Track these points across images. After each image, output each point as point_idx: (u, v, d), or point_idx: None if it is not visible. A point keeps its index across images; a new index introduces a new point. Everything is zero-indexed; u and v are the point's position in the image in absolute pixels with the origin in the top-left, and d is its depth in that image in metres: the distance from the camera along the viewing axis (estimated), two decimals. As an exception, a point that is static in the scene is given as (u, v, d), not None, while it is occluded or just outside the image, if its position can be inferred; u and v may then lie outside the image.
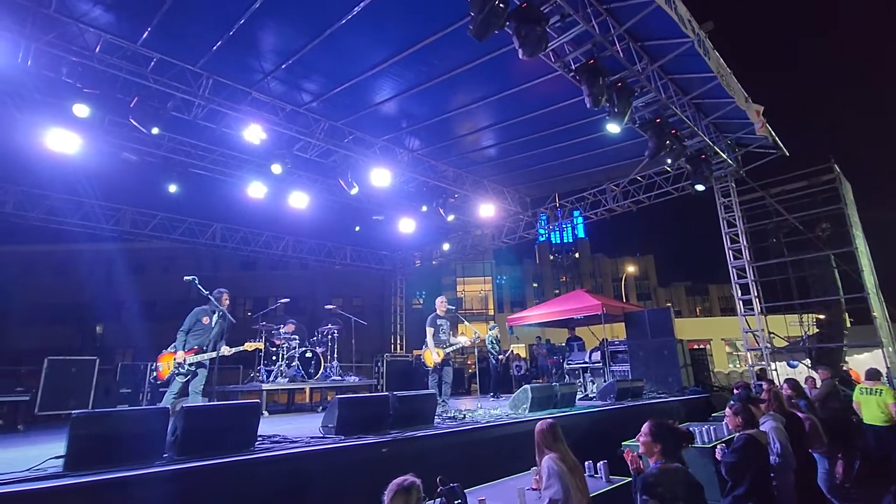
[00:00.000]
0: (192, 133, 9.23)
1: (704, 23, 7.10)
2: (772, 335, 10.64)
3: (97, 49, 6.92)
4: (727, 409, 4.25)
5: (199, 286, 5.52)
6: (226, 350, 5.67)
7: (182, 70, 7.60)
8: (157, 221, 12.10)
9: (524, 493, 3.33)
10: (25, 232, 12.19)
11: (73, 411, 3.10)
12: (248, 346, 5.77)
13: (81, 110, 6.97)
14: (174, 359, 5.45)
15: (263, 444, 3.91)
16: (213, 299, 5.65)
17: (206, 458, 3.27)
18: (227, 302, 5.92)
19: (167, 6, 6.45)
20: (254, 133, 8.19)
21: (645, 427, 3.07)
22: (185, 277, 5.71)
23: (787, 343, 11.26)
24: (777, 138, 9.67)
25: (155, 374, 5.54)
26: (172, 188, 9.65)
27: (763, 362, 10.18)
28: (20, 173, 9.73)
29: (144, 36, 6.99)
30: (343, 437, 4.24)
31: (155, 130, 7.46)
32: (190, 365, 5.48)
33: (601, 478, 4.02)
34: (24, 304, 23.23)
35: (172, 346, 5.58)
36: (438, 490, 3.07)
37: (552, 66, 7.06)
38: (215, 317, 5.77)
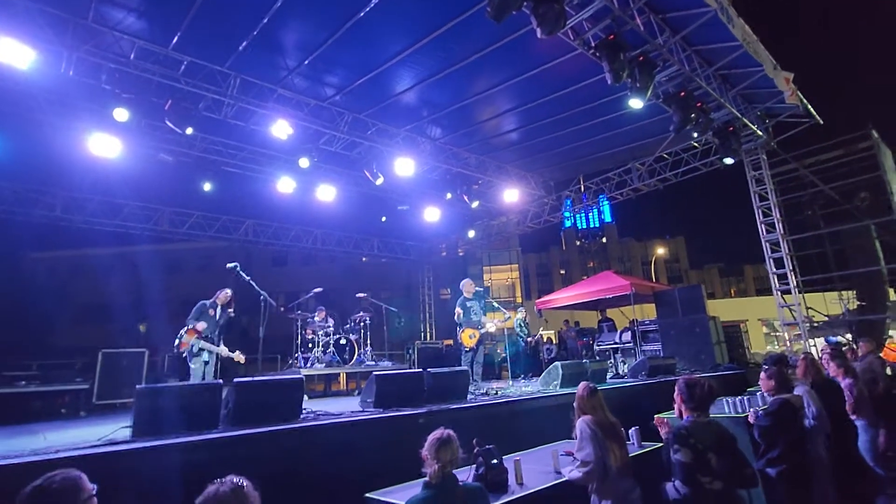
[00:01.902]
0: (223, 132, 9.59)
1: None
2: (809, 309, 10.38)
3: (132, 55, 7.28)
4: (761, 374, 4.25)
5: (241, 272, 5.85)
6: (223, 350, 6.07)
7: (211, 71, 7.91)
8: (194, 220, 12.61)
9: (557, 454, 3.44)
10: (72, 235, 12.88)
11: (139, 385, 3.37)
12: (235, 356, 6.06)
13: (121, 114, 7.35)
14: (193, 336, 5.90)
15: (309, 416, 4.15)
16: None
17: (257, 426, 3.52)
18: (223, 297, 6.34)
19: (194, 10, 6.72)
20: (281, 128, 8.45)
21: (677, 385, 3.14)
22: (228, 265, 6.05)
23: (826, 319, 10.97)
24: (809, 106, 9.38)
25: (178, 343, 5.96)
26: (207, 186, 10.05)
27: (801, 339, 9.95)
28: (66, 178, 10.28)
29: (175, 40, 7.30)
30: (382, 410, 4.44)
31: (189, 130, 7.80)
32: (200, 349, 5.92)
33: (633, 443, 4.10)
34: (74, 306, 24.56)
35: (191, 323, 6.05)
36: (475, 451, 3.22)
37: (571, 44, 7.04)
38: (218, 310, 6.29)
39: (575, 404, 3.42)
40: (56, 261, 26.41)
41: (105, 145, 8.13)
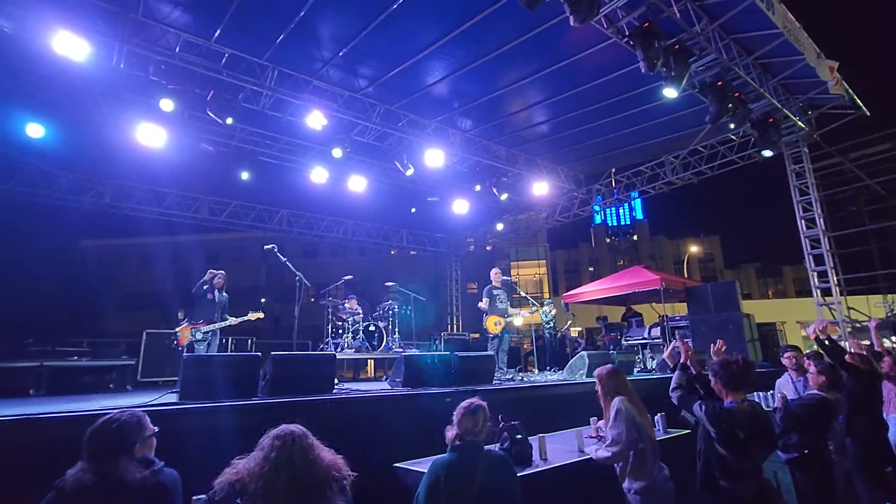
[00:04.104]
0: (261, 123, 9.93)
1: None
2: (851, 310, 9.98)
3: (177, 48, 7.62)
4: (811, 367, 4.07)
5: (279, 254, 6.11)
6: (232, 320, 6.41)
7: (251, 63, 8.21)
8: (231, 209, 13.09)
9: (581, 434, 3.50)
10: (118, 223, 13.57)
11: (185, 354, 3.60)
12: (252, 315, 6.43)
13: (167, 105, 7.72)
14: (188, 330, 6.25)
15: (341, 391, 4.33)
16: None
17: (293, 397, 3.71)
18: (220, 280, 6.71)
19: (236, 4, 6.99)
20: (316, 119, 8.68)
21: (710, 369, 3.09)
22: (266, 246, 6.32)
23: (869, 319, 10.50)
24: (855, 96, 8.99)
25: (176, 341, 6.28)
26: (244, 176, 10.42)
27: (841, 340, 9.57)
28: (115, 167, 10.84)
29: (217, 33, 7.62)
30: (410, 389, 4.58)
31: (229, 121, 8.13)
32: (205, 333, 6.25)
33: (658, 429, 4.11)
34: (118, 293, 25.90)
35: (185, 320, 6.42)
36: (501, 426, 3.31)
37: (605, 32, 6.98)
38: (217, 293, 6.58)
39: (601, 386, 3.42)
40: (104, 248, 27.80)
41: (151, 135, 8.54)
